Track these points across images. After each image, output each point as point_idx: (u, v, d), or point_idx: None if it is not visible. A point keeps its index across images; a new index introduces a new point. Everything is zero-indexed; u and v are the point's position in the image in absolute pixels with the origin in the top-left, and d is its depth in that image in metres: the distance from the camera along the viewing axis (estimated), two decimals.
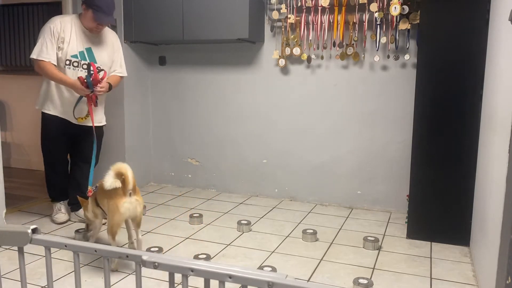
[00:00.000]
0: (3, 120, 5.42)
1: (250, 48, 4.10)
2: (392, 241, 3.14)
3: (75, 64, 3.10)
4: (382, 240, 3.15)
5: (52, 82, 3.13)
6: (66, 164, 3.47)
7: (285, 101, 4.06)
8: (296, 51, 3.84)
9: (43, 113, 3.24)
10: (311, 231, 3.15)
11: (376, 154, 3.82)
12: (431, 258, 2.85)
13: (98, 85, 3.03)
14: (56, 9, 4.64)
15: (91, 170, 3.06)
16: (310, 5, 3.71)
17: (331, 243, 3.10)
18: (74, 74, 3.09)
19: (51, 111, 3.21)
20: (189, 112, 4.45)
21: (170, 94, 4.50)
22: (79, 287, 1.28)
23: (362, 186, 3.90)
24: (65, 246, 1.22)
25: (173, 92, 4.49)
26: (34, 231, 1.23)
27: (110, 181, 2.47)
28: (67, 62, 3.09)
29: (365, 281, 2.40)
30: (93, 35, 3.17)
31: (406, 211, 3.48)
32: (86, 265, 2.66)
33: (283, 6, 3.78)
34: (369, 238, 3.02)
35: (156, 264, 1.07)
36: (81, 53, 3.12)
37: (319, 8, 3.70)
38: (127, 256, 1.14)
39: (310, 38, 3.83)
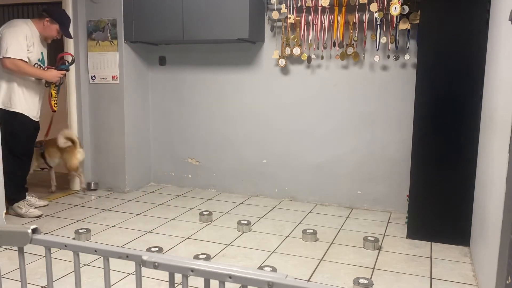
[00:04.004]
0: None
1: (250, 48, 4.10)
2: (392, 241, 3.14)
3: (38, 66, 3.52)
4: (382, 240, 3.15)
5: (15, 82, 3.41)
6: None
7: (285, 101, 4.05)
8: (296, 51, 3.84)
9: (13, 112, 3.43)
10: (311, 231, 3.15)
11: (376, 154, 3.82)
12: (431, 258, 2.85)
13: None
14: None
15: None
16: (310, 5, 3.71)
17: (331, 243, 3.10)
18: None
19: (23, 110, 3.47)
20: (189, 112, 4.45)
21: (170, 94, 4.50)
22: (79, 287, 1.28)
23: (362, 186, 3.90)
24: (65, 246, 1.22)
25: (173, 92, 4.49)
26: (34, 231, 1.23)
27: (63, 141, 3.91)
28: (35, 65, 3.49)
29: (365, 281, 2.40)
30: (43, 41, 3.59)
31: (406, 211, 3.47)
32: (86, 265, 2.66)
33: (283, 6, 3.78)
34: (369, 238, 3.02)
35: (156, 264, 1.07)
36: (42, 56, 3.57)
37: (319, 8, 3.70)
38: (127, 256, 1.14)
39: (310, 38, 3.83)
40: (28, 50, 3.38)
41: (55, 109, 3.70)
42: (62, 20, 3.58)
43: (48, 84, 3.60)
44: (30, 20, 3.52)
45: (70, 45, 4.21)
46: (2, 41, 3.32)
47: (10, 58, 3.29)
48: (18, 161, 3.55)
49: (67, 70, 3.69)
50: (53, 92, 3.64)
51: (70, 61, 3.70)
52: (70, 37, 3.78)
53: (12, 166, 3.41)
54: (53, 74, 3.54)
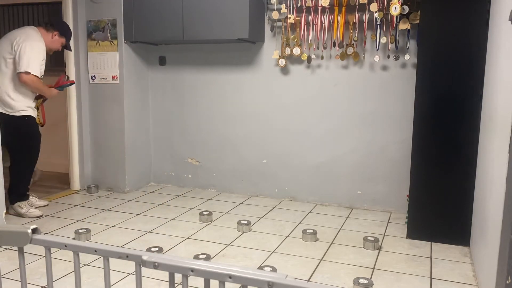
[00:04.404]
0: None
1: (250, 48, 4.10)
2: (392, 241, 3.14)
3: (42, 77, 3.57)
4: (382, 240, 3.15)
5: (22, 88, 3.46)
6: None
7: (285, 101, 4.05)
8: (296, 51, 3.84)
9: (27, 116, 3.54)
10: (311, 231, 3.15)
11: (376, 154, 3.82)
12: (431, 258, 2.85)
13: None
14: (56, 9, 4.65)
15: None
16: (310, 5, 3.71)
17: (331, 243, 3.10)
18: None
19: (32, 113, 3.59)
20: (189, 112, 4.45)
21: (170, 94, 4.50)
22: (79, 287, 1.28)
23: (362, 186, 3.90)
24: (65, 246, 1.22)
25: (173, 92, 4.49)
26: (34, 231, 1.23)
27: None
28: (41, 77, 3.54)
29: (365, 281, 2.40)
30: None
31: (406, 211, 3.47)
32: (86, 265, 2.66)
33: (283, 6, 3.78)
34: (369, 238, 3.02)
35: (156, 264, 1.07)
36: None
37: (319, 8, 3.70)
38: (127, 256, 1.14)
39: (310, 38, 3.83)
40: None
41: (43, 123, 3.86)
42: (68, 35, 3.73)
43: (38, 97, 3.68)
44: (38, 30, 3.55)
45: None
46: (23, 54, 3.35)
47: (30, 74, 3.36)
48: (31, 159, 3.68)
49: (62, 90, 3.89)
50: (38, 106, 3.75)
51: (68, 83, 3.86)
52: (71, 50, 3.93)
53: (25, 163, 3.64)
54: (53, 94, 3.69)
